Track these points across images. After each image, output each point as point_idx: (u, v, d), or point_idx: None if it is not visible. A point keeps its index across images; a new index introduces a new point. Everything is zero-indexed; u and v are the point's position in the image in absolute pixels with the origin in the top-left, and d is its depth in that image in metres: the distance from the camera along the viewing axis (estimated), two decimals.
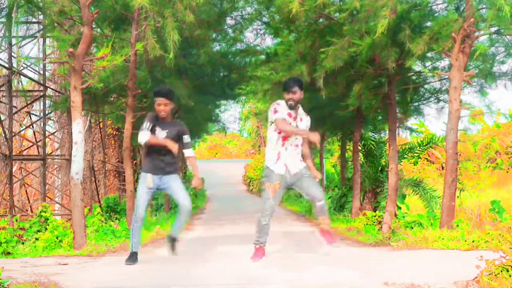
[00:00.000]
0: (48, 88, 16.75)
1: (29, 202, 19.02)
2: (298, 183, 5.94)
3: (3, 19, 10.29)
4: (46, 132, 17.63)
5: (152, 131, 5.86)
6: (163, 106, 5.88)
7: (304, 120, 5.97)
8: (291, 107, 5.84)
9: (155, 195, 17.83)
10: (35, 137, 18.89)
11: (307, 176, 5.92)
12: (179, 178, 6.11)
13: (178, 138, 5.98)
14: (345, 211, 13.87)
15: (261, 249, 6.02)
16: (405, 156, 14.26)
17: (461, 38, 7.59)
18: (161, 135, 5.87)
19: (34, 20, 13.10)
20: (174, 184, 5.96)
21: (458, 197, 10.74)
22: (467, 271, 4.36)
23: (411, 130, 15.43)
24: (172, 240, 6.14)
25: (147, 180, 5.87)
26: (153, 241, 9.53)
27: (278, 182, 5.84)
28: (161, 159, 5.88)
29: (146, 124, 5.85)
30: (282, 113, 5.80)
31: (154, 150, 5.88)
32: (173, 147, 5.78)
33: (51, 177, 20.78)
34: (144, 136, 5.80)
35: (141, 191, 5.89)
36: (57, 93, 17.13)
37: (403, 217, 10.26)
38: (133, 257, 5.97)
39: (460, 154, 15.50)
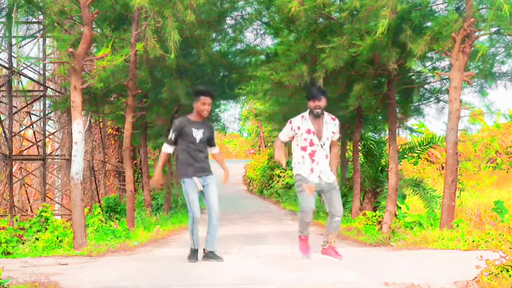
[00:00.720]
0: (48, 88, 16.75)
1: (29, 202, 19.02)
2: (327, 193, 5.95)
3: (3, 19, 10.31)
4: (46, 132, 17.64)
5: (187, 133, 5.98)
6: (207, 105, 6.04)
7: (330, 126, 5.96)
8: (317, 115, 5.90)
9: (155, 195, 17.84)
10: (35, 137, 18.89)
11: (338, 189, 5.97)
12: (214, 179, 6.22)
13: (209, 139, 6.16)
14: (345, 211, 13.86)
15: (306, 240, 6.09)
16: (405, 156, 14.26)
17: (461, 38, 7.59)
18: (199, 135, 6.02)
19: (34, 20, 13.11)
20: (212, 186, 6.14)
21: (458, 197, 10.74)
22: (467, 271, 4.36)
23: (411, 130, 15.43)
24: (212, 256, 6.14)
25: (197, 184, 6.01)
26: (153, 241, 9.53)
27: (313, 184, 5.88)
28: (199, 162, 6.05)
29: (172, 135, 6.04)
30: (289, 133, 5.96)
31: (191, 155, 6.01)
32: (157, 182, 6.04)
33: (51, 177, 20.78)
34: (164, 150, 6.09)
35: (192, 195, 6.00)
36: (57, 93, 17.13)
37: (403, 217, 10.26)
38: (195, 254, 6.11)
39: (460, 154, 15.51)
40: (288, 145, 6.20)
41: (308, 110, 5.97)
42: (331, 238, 6.00)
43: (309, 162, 5.91)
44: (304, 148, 5.92)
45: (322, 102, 5.90)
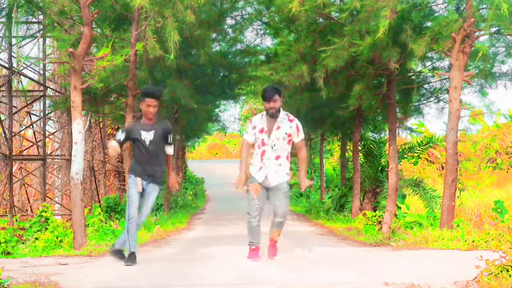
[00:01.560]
0: (48, 88, 16.74)
1: (29, 202, 19.02)
2: (272, 192, 5.94)
3: (3, 19, 10.30)
4: (46, 132, 17.63)
5: (136, 135, 5.91)
6: (152, 108, 5.91)
7: (282, 127, 5.87)
8: (272, 116, 5.84)
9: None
10: (35, 137, 18.89)
11: (284, 192, 5.92)
12: (158, 190, 6.12)
13: (164, 139, 6.04)
14: (345, 211, 13.87)
15: (256, 250, 6.07)
16: (405, 156, 14.26)
17: (461, 38, 7.59)
18: (148, 137, 5.91)
19: (34, 20, 13.10)
20: (151, 195, 6.02)
21: (458, 197, 10.72)
22: (467, 271, 4.36)
23: (411, 130, 15.44)
24: (118, 252, 6.09)
25: (138, 184, 5.93)
26: (153, 241, 9.53)
27: (259, 184, 5.90)
28: (148, 165, 5.95)
29: (120, 136, 5.99)
30: (250, 132, 5.94)
31: (140, 156, 5.96)
32: (114, 151, 5.92)
33: (51, 177, 20.77)
34: (110, 143, 5.98)
35: (133, 192, 5.94)
36: (57, 93, 17.13)
37: (403, 217, 10.26)
38: (132, 257, 5.96)
39: (460, 154, 15.50)
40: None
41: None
42: (274, 233, 6.03)
43: (259, 161, 5.91)
44: (258, 146, 5.93)
45: (278, 103, 5.82)
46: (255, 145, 5.99)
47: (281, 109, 5.91)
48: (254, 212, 5.96)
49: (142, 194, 5.99)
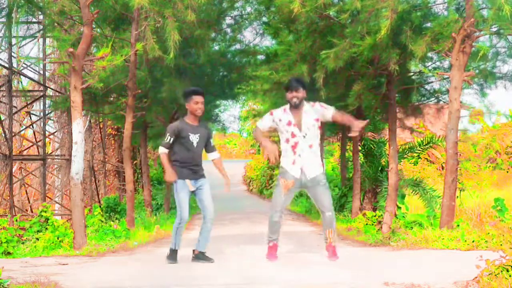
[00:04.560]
0: (48, 88, 16.74)
1: (29, 202, 19.02)
2: (311, 189, 5.91)
3: (3, 19, 10.30)
4: (46, 132, 17.63)
5: (184, 137, 5.96)
6: (200, 104, 6.00)
7: (309, 114, 5.86)
8: (296, 106, 5.83)
9: (155, 195, 17.83)
10: (35, 137, 18.90)
11: (323, 184, 5.88)
12: (207, 181, 6.20)
13: (207, 141, 6.15)
14: (345, 211, 13.86)
15: (274, 247, 6.02)
16: (405, 156, 14.25)
17: (461, 38, 7.59)
18: (195, 139, 5.99)
19: (34, 20, 13.10)
20: (206, 189, 6.12)
21: (458, 197, 10.71)
22: (467, 271, 4.36)
23: (411, 130, 15.41)
24: (202, 257, 6.15)
25: (189, 186, 6.00)
26: (153, 241, 9.53)
27: (292, 181, 5.84)
28: (193, 166, 6.04)
29: (168, 139, 6.01)
30: (266, 119, 5.92)
31: (187, 158, 6.00)
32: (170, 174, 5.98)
33: (51, 177, 20.77)
34: (162, 151, 6.04)
35: (183, 195, 6.01)
36: (57, 93, 17.13)
37: (403, 217, 10.25)
38: (174, 255, 6.12)
39: (460, 154, 15.51)
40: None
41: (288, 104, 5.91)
42: (328, 234, 5.93)
43: (291, 154, 5.86)
44: (287, 140, 5.88)
45: (300, 93, 5.82)
46: (281, 141, 5.93)
47: (304, 101, 5.89)
48: (277, 207, 5.94)
49: (196, 193, 6.08)
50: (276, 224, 5.95)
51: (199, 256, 6.15)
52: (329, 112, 5.92)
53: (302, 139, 5.82)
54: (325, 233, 5.98)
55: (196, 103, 5.99)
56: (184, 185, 6.01)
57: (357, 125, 5.82)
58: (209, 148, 6.22)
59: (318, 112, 5.90)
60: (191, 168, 6.03)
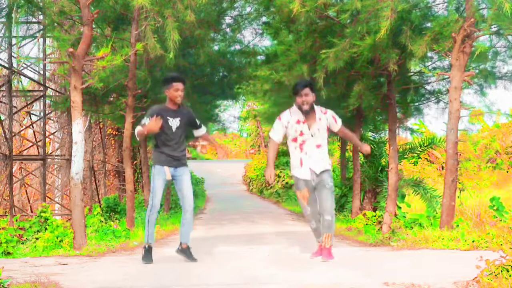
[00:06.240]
0: (48, 88, 16.75)
1: (29, 202, 19.02)
2: (317, 191, 5.83)
3: (3, 19, 10.30)
4: (46, 132, 17.63)
5: (163, 121, 5.83)
6: (180, 91, 5.91)
7: (323, 119, 5.83)
8: (306, 112, 5.72)
9: None
10: (35, 137, 18.90)
11: (329, 187, 5.79)
12: (189, 171, 6.12)
13: (190, 124, 6.09)
14: (345, 211, 13.86)
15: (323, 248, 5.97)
16: (405, 156, 14.26)
17: (461, 38, 7.59)
18: (175, 124, 5.90)
19: (34, 20, 13.10)
20: (186, 177, 6.01)
21: (458, 197, 10.72)
22: (467, 271, 4.36)
23: (411, 130, 15.42)
24: (187, 253, 6.09)
25: (167, 173, 5.88)
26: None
27: (306, 188, 5.81)
28: (173, 152, 5.93)
29: (146, 120, 5.88)
30: (278, 131, 5.85)
31: (165, 143, 5.90)
32: (156, 125, 5.76)
33: (51, 177, 20.78)
34: (136, 130, 5.90)
35: (158, 182, 5.90)
36: (57, 93, 17.14)
37: (403, 217, 10.25)
38: (149, 254, 5.96)
39: (460, 154, 15.51)
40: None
41: (294, 106, 5.82)
42: (324, 238, 5.79)
43: (299, 152, 5.80)
44: (295, 139, 5.83)
45: (310, 97, 5.67)
46: (289, 140, 5.87)
47: (314, 105, 5.79)
48: (309, 217, 5.93)
49: (175, 182, 5.98)
50: (317, 229, 5.93)
51: (185, 252, 6.07)
52: (337, 126, 5.93)
53: (310, 137, 5.77)
54: (321, 236, 5.85)
55: (176, 90, 5.87)
56: (161, 172, 5.89)
57: (365, 150, 6.05)
58: (196, 127, 6.18)
59: (328, 121, 5.88)
60: (170, 155, 5.90)
